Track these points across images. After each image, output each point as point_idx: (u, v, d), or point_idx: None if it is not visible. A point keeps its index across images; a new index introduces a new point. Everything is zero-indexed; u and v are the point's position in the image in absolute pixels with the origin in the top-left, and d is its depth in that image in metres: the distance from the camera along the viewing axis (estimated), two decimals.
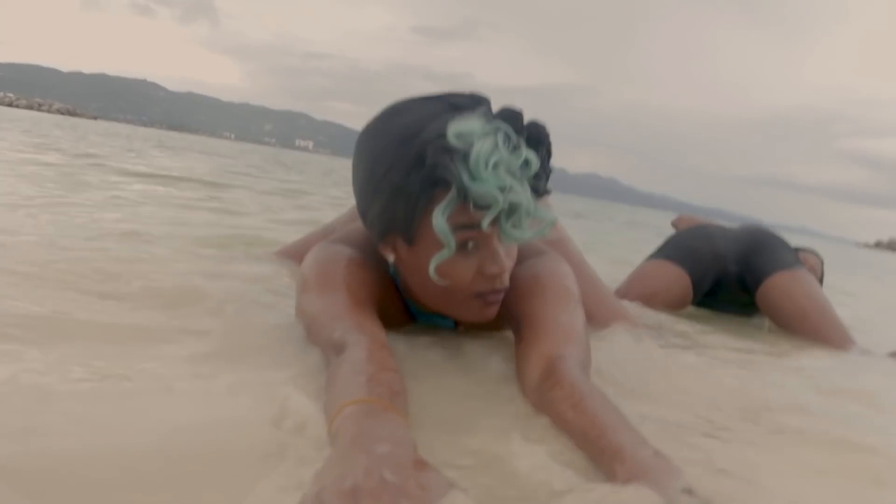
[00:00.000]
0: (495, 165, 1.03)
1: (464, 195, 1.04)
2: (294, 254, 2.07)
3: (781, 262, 2.49)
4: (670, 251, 2.72)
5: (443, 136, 1.05)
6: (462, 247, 1.10)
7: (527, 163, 1.09)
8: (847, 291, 4.55)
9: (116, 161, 7.18)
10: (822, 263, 2.92)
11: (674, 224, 3.09)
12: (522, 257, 1.27)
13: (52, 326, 1.15)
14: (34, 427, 0.77)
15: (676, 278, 2.62)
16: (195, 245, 2.33)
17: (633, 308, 2.22)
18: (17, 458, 0.70)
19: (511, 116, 1.15)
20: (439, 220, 1.04)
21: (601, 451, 0.83)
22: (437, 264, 1.10)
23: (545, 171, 1.15)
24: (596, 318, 1.69)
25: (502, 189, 1.04)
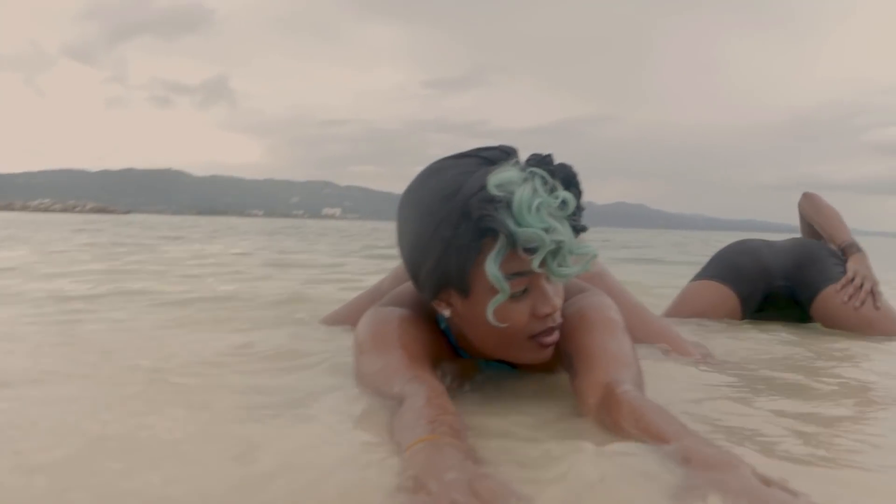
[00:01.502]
0: (538, 209, 1.08)
1: (512, 241, 1.09)
2: (343, 319, 2.12)
3: (832, 274, 2.46)
4: (715, 270, 2.69)
5: (484, 187, 1.10)
6: (517, 294, 1.14)
7: (564, 203, 1.14)
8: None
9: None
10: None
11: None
12: (565, 297, 1.30)
13: None
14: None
15: (723, 298, 2.59)
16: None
17: (682, 329, 2.17)
18: None
19: (542, 161, 1.20)
20: (492, 267, 1.09)
21: (671, 456, 0.87)
22: (495, 308, 1.15)
23: (579, 208, 1.20)
24: (641, 339, 1.71)
25: (547, 230, 1.09)
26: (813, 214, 2.73)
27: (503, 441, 1.07)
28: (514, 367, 1.42)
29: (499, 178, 1.10)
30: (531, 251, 1.10)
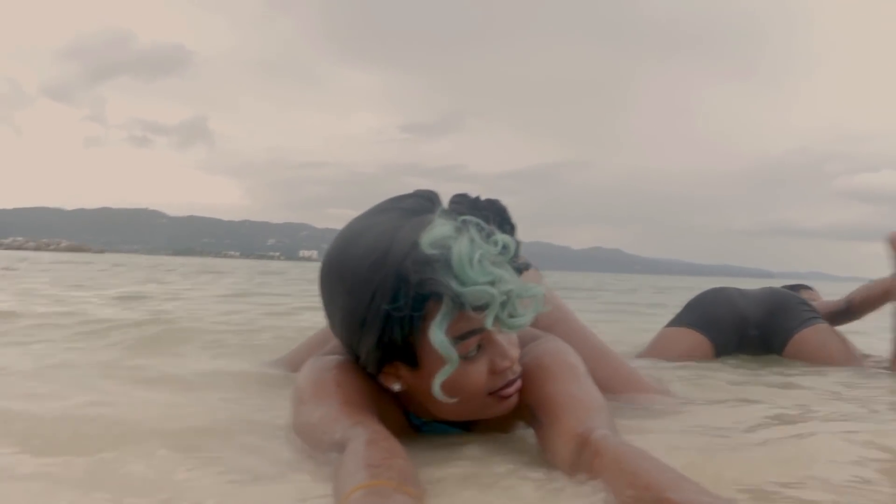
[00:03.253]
0: (480, 261, 0.99)
1: (459, 302, 0.99)
2: (296, 362, 1.92)
3: (803, 318, 2.58)
4: (690, 317, 2.70)
5: (417, 247, 1.00)
6: (471, 354, 1.05)
7: (505, 247, 1.06)
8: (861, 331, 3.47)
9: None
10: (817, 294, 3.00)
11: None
12: (519, 345, 1.18)
13: None
14: None
15: (697, 345, 2.60)
16: None
17: (652, 371, 2.13)
18: None
19: (471, 203, 1.14)
20: (438, 335, 0.99)
21: None
22: (448, 377, 1.04)
23: (517, 245, 1.09)
24: (611, 389, 1.63)
25: (493, 283, 1.00)
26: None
27: (464, 489, 0.97)
28: (464, 427, 1.28)
29: (431, 236, 1.00)
30: (481, 309, 1.00)
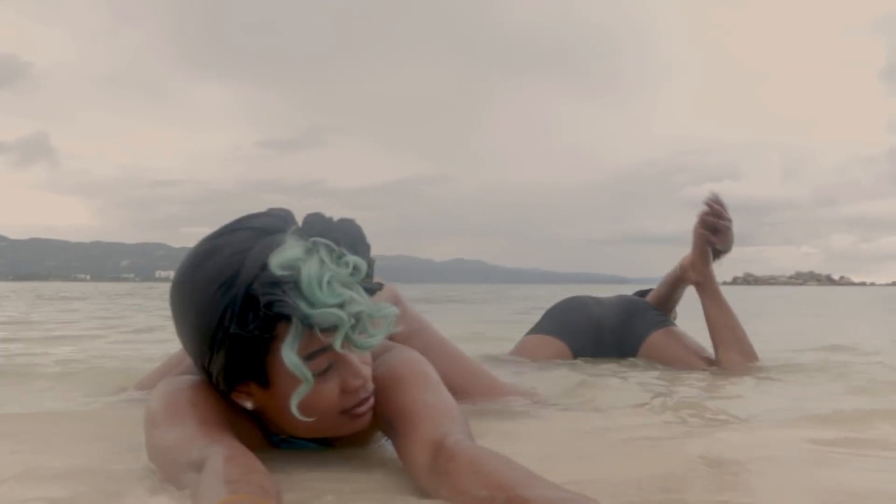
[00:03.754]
0: (329, 284, 1.00)
1: (308, 324, 0.99)
2: (149, 386, 1.71)
3: (654, 322, 2.71)
4: (549, 325, 2.81)
5: (266, 268, 1.00)
6: (321, 373, 1.05)
7: (356, 268, 1.05)
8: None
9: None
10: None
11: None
12: (371, 358, 1.18)
13: None
14: None
15: (557, 351, 2.70)
16: None
17: (509, 376, 2.18)
18: None
19: (322, 224, 1.12)
20: (290, 356, 0.99)
21: None
22: (300, 400, 1.04)
23: (371, 265, 1.11)
24: (470, 394, 1.70)
25: (342, 305, 1.01)
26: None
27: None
28: (323, 443, 1.28)
29: (281, 257, 1.00)
30: (329, 331, 1.01)
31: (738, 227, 2.43)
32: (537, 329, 2.85)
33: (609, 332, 2.74)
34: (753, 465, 1.22)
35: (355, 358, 1.08)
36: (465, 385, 1.67)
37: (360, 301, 1.03)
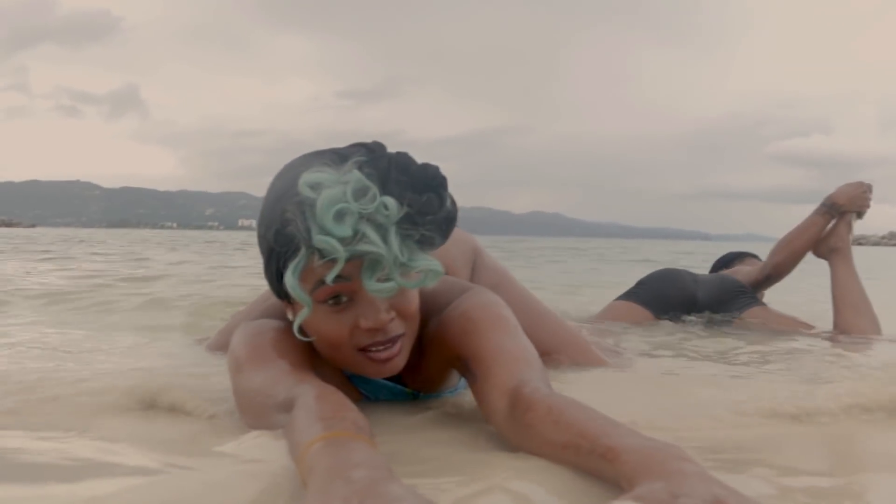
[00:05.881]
0: (340, 215, 0.96)
1: (311, 248, 0.99)
2: (224, 344, 1.67)
3: (747, 303, 2.72)
4: (642, 295, 2.80)
5: (295, 186, 1.00)
6: (335, 301, 1.04)
7: (385, 207, 0.98)
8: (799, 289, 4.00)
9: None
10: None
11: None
12: (446, 300, 1.19)
13: None
14: None
15: (644, 320, 2.69)
16: None
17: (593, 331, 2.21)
18: None
19: (375, 158, 1.03)
20: (290, 278, 1.00)
21: (600, 458, 0.79)
22: (302, 322, 1.06)
23: (441, 216, 1.03)
24: (553, 352, 1.68)
25: (345, 240, 0.96)
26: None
27: (411, 454, 1.00)
28: (399, 384, 1.29)
29: (311, 177, 0.99)
30: (331, 262, 0.98)
31: (827, 183, 2.70)
32: (628, 296, 2.84)
33: (701, 310, 2.74)
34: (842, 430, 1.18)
35: (376, 299, 1.05)
36: (547, 342, 1.64)
37: (376, 242, 0.97)
